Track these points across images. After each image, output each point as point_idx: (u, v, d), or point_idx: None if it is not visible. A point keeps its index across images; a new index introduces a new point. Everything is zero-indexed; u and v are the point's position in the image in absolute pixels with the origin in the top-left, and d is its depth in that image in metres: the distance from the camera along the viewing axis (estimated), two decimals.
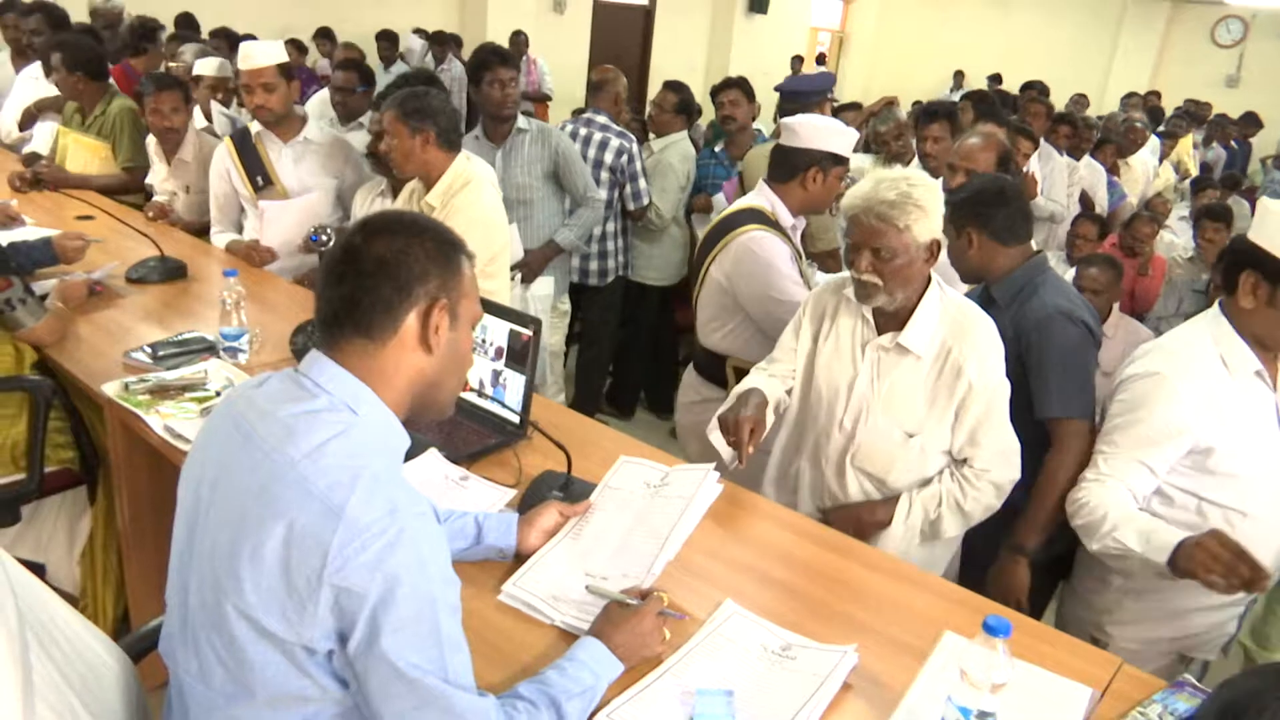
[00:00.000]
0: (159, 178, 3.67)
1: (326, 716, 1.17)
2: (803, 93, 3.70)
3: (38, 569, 2.48)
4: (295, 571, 1.08)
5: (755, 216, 2.53)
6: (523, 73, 8.04)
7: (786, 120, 2.62)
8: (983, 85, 10.35)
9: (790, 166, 2.51)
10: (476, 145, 3.51)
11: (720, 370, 2.63)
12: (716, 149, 4.44)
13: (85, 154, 3.93)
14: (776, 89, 4.23)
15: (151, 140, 3.64)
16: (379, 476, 1.13)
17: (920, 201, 1.83)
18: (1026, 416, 2.07)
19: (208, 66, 4.37)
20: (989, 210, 2.22)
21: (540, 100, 8.93)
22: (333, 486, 1.10)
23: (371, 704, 1.13)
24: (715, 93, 4.39)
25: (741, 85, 4.23)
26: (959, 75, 13.35)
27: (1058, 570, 2.30)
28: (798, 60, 12.97)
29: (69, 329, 2.45)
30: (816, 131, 2.50)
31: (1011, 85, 8.57)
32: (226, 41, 5.41)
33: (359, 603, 1.08)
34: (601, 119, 3.94)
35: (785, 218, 2.55)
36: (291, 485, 1.11)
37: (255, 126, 3.22)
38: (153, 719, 1.33)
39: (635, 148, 3.95)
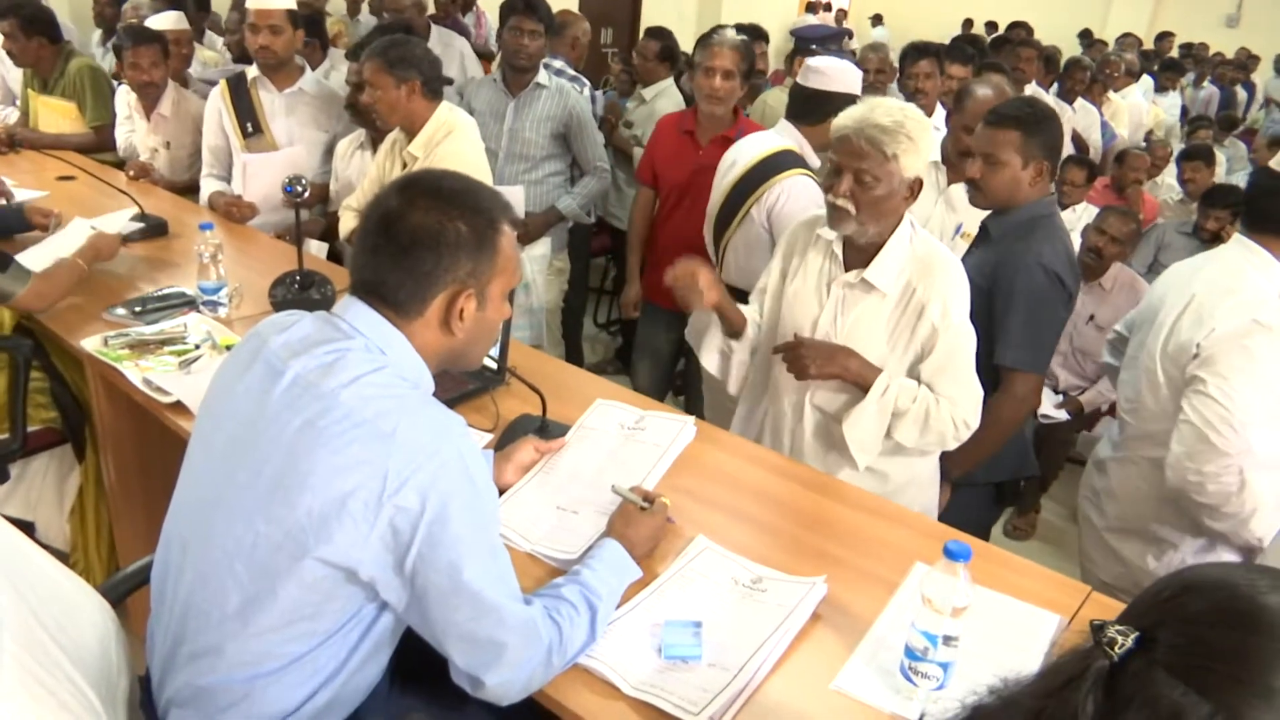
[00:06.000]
0: (140, 134, 3.63)
1: (325, 657, 1.20)
2: (817, 39, 3.65)
3: (27, 527, 2.50)
4: (353, 496, 1.12)
5: (795, 160, 2.55)
6: (471, 24, 7.53)
7: (813, 61, 2.62)
8: (987, 32, 10.15)
9: (818, 108, 2.54)
10: (493, 89, 3.44)
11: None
12: None
13: (55, 115, 3.87)
14: (792, 33, 4.13)
15: (133, 96, 3.60)
16: (420, 402, 1.20)
17: (912, 133, 1.78)
18: (986, 362, 2.03)
19: (163, 21, 3.97)
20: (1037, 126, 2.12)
21: (488, 57, 8.29)
22: (381, 414, 1.15)
23: (431, 619, 1.17)
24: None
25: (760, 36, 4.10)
26: (968, 23, 13.10)
27: (1002, 496, 2.36)
28: (822, 8, 12.74)
29: (73, 288, 2.32)
30: (842, 74, 2.57)
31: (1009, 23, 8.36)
32: None
33: (416, 521, 1.12)
34: (558, 64, 3.81)
35: (812, 159, 2.60)
36: (337, 417, 1.15)
37: (253, 71, 3.20)
38: (134, 658, 1.35)
39: (589, 91, 3.84)
